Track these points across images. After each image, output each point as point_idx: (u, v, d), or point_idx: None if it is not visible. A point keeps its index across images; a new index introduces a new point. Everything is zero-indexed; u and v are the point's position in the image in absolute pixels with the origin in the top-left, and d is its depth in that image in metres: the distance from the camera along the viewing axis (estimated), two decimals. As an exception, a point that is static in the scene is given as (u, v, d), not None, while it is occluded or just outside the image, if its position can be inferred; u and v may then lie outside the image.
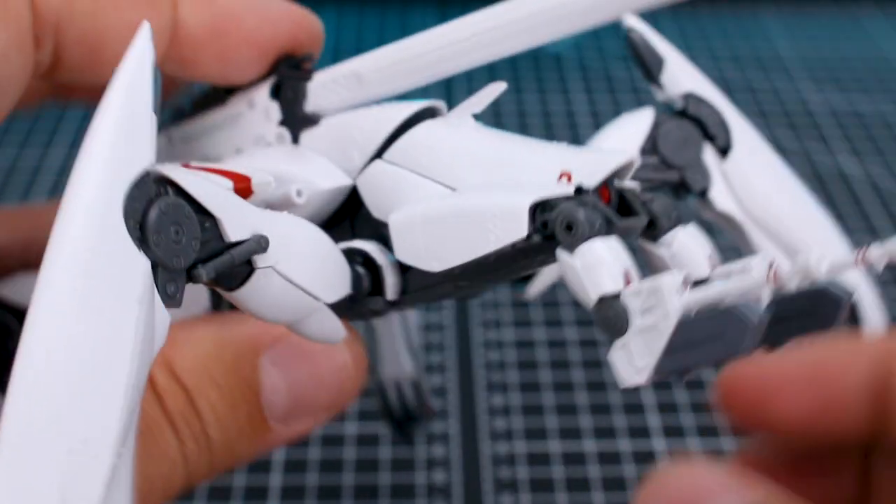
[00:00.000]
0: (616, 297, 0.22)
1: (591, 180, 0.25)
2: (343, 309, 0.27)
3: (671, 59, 0.33)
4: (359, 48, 0.29)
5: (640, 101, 0.80)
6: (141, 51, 0.23)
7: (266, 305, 0.25)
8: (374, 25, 0.89)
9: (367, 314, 0.29)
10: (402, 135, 0.28)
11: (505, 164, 0.26)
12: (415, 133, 0.28)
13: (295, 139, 0.31)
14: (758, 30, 0.90)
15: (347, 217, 0.29)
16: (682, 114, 0.33)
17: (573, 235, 0.23)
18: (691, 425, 0.53)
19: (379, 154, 0.28)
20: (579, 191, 0.25)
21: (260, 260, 0.25)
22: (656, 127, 0.33)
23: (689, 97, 0.33)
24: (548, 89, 0.82)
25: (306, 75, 0.31)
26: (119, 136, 0.22)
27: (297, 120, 0.31)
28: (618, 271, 0.23)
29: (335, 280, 0.27)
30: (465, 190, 0.26)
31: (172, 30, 0.29)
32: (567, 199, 0.24)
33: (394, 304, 0.28)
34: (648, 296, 0.22)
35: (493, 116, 0.78)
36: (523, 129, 0.77)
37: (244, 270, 0.25)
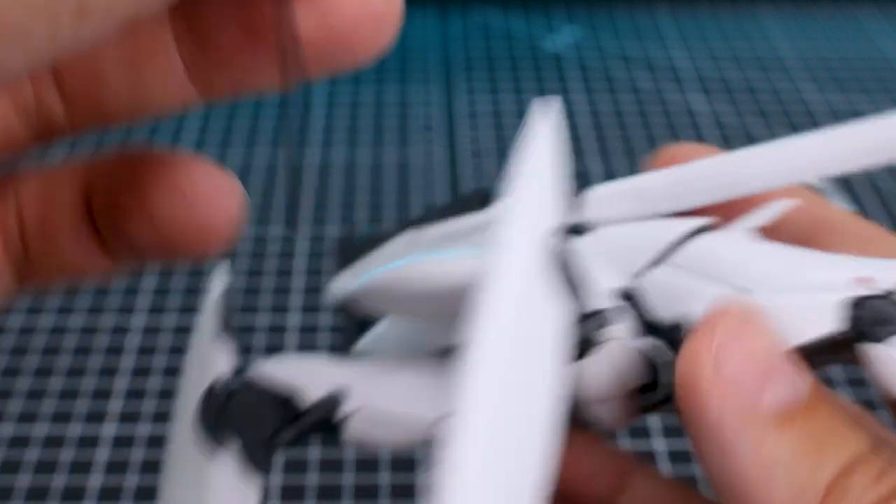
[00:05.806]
0: None
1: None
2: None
3: None
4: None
5: (639, 102, 0.80)
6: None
7: (380, 440, 0.26)
8: (374, 25, 0.89)
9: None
10: (684, 244, 0.28)
11: (794, 271, 0.26)
12: (700, 241, 0.28)
13: None
14: (758, 30, 0.90)
15: None
16: None
17: (887, 329, 0.23)
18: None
19: (660, 260, 0.28)
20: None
21: (340, 412, 0.25)
22: None
23: None
24: (548, 89, 0.82)
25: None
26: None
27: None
28: None
29: None
30: (761, 292, 0.26)
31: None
32: (874, 297, 0.24)
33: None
34: None
35: (493, 117, 0.78)
36: (523, 129, 0.77)
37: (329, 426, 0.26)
